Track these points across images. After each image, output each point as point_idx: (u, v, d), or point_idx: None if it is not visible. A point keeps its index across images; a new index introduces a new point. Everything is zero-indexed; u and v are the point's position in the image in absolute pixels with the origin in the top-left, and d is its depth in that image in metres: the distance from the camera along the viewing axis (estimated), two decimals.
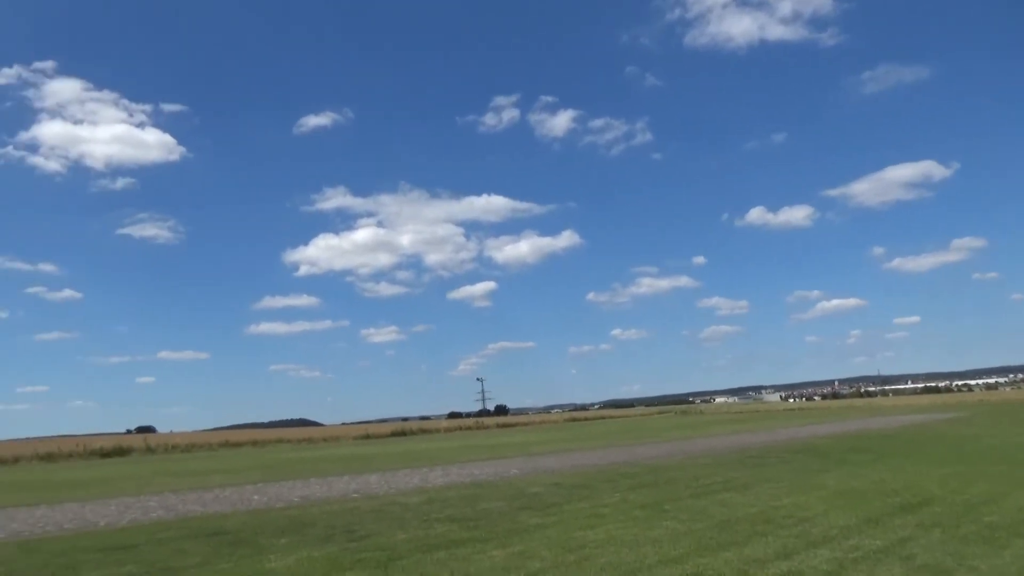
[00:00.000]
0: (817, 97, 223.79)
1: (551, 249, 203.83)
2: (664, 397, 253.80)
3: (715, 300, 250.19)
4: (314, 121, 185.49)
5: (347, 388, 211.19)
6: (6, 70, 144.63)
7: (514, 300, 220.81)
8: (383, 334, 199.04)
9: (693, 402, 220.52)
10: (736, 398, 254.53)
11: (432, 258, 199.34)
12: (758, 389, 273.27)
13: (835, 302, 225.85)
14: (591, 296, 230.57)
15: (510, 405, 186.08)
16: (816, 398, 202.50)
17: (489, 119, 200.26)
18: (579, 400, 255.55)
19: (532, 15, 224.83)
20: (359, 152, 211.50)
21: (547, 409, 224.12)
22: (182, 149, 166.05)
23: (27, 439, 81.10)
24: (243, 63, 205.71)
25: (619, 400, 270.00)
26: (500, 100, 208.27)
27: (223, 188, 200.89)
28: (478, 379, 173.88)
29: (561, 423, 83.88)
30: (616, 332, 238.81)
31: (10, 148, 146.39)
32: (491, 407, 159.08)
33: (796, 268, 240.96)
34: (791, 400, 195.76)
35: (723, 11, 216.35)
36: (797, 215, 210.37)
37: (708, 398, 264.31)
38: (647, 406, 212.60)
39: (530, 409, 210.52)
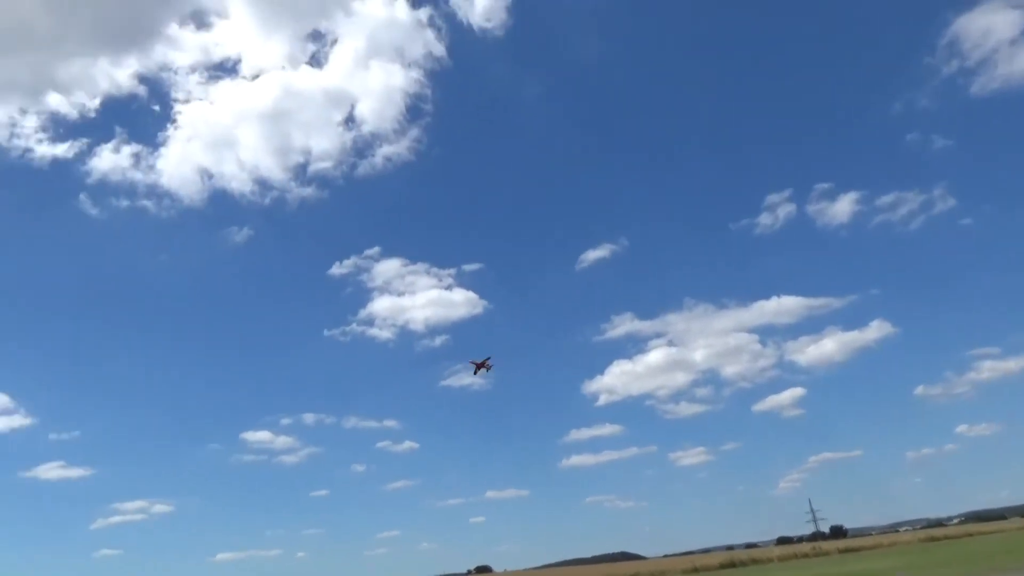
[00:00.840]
0: None
1: (860, 343, 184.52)
2: None
3: None
4: (593, 255, 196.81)
5: (663, 516, 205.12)
6: (346, 261, 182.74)
7: (828, 405, 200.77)
8: (691, 456, 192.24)
9: None
10: None
11: (729, 371, 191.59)
12: None
13: None
14: (920, 390, 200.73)
15: (847, 525, 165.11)
16: None
17: (764, 219, 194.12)
18: (931, 514, 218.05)
19: (791, 105, 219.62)
20: (640, 276, 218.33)
21: (893, 527, 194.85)
22: (484, 302, 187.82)
23: None
24: (521, 217, 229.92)
25: (985, 511, 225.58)
26: (772, 198, 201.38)
27: (521, 331, 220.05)
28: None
29: (915, 543, 72.78)
30: (961, 429, 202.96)
31: (354, 325, 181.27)
32: (825, 529, 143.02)
33: None
34: None
35: (1011, 48, 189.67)
36: None
37: None
38: None
39: (872, 528, 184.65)
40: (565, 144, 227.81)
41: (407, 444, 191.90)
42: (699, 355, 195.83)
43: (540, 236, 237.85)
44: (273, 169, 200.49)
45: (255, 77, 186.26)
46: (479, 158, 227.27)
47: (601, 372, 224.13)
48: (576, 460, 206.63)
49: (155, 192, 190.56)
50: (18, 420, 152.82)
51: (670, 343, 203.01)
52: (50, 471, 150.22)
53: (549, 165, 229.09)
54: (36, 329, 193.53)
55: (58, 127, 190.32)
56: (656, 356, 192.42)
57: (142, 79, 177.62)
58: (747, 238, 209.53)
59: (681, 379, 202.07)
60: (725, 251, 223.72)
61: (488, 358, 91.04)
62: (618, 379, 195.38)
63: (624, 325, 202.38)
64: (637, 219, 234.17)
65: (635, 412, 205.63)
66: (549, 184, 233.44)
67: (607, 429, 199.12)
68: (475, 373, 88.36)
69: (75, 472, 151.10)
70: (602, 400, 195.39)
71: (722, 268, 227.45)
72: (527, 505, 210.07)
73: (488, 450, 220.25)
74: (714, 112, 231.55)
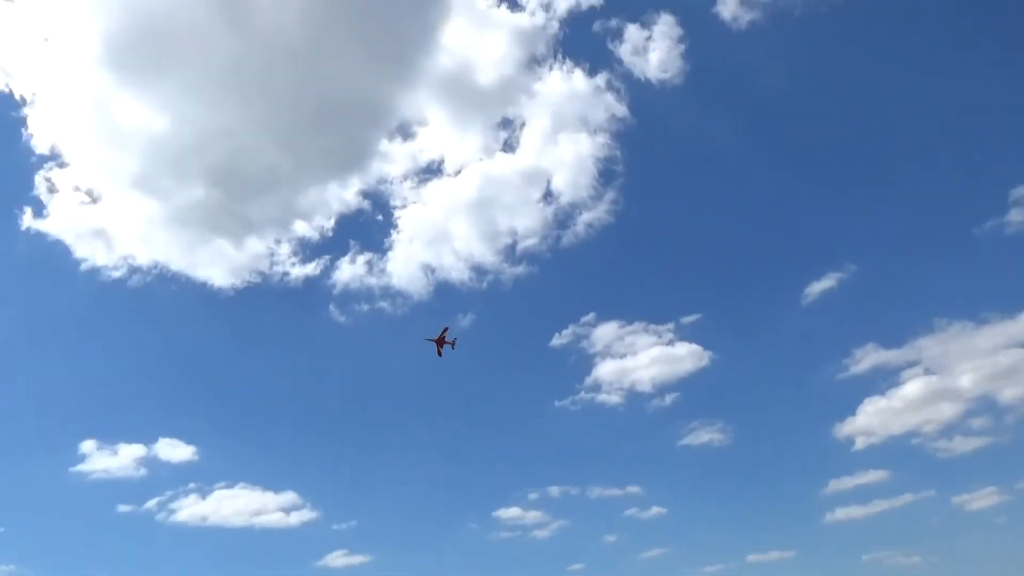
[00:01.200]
0: None
1: None
2: None
3: None
4: (819, 287, 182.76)
5: (959, 570, 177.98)
6: (565, 331, 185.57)
7: None
8: (980, 498, 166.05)
9: None
10: None
11: (1008, 394, 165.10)
12: None
13: None
14: None
15: None
16: None
17: (1014, 216, 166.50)
18: None
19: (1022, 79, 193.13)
20: (876, 302, 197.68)
21: None
22: (709, 353, 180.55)
23: None
24: (732, 260, 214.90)
25: None
26: (1020, 191, 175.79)
27: (754, 378, 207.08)
28: None
29: None
30: None
31: (581, 393, 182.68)
32: None
33: None
34: None
35: None
36: None
37: None
38: None
39: None
40: (766, 178, 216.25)
41: (654, 510, 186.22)
42: (965, 380, 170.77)
43: (756, 276, 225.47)
44: (485, 254, 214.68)
45: (458, 172, 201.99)
46: (679, 208, 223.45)
47: (852, 413, 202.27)
48: (842, 513, 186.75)
49: (388, 293, 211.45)
50: (306, 514, 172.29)
51: (927, 371, 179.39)
52: (336, 559, 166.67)
53: (752, 203, 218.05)
54: (310, 431, 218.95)
55: (305, 249, 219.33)
56: (913, 388, 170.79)
57: (365, 194, 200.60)
58: (997, 240, 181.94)
59: (949, 411, 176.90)
60: (973, 259, 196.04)
61: (446, 329, 79.68)
62: (873, 418, 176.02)
63: (868, 358, 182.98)
64: (861, 241, 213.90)
65: (901, 453, 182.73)
66: (756, 222, 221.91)
67: (871, 476, 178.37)
68: (439, 355, 78.43)
69: (357, 559, 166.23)
70: (859, 444, 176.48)
71: (973, 279, 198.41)
72: (796, 567, 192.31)
73: (740, 509, 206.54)
74: (930, 109, 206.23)
